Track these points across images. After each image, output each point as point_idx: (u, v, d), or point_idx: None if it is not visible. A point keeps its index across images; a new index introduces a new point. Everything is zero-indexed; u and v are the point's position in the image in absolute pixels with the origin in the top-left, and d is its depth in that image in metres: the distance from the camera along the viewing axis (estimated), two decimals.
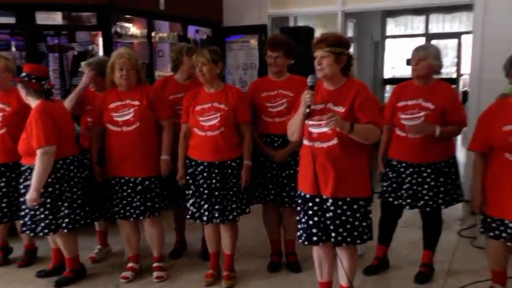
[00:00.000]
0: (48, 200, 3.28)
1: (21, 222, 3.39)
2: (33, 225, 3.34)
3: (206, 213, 3.35)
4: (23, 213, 3.36)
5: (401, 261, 3.85)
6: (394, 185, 3.45)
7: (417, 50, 3.35)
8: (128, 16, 5.28)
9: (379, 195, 3.59)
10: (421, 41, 10.87)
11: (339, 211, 2.72)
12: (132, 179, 3.43)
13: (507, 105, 2.94)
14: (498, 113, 2.95)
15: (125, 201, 3.46)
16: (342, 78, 2.74)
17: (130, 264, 3.69)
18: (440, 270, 3.63)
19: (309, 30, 5.69)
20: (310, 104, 2.65)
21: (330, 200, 2.72)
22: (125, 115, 3.38)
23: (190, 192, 3.41)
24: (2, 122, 3.59)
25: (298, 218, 2.89)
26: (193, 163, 3.37)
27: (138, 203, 3.44)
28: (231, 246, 3.52)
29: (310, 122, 2.72)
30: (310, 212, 2.79)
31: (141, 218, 3.49)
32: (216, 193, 3.31)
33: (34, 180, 3.20)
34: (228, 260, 3.55)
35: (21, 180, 3.37)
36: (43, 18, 4.66)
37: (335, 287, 3.05)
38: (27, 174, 3.31)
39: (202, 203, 3.35)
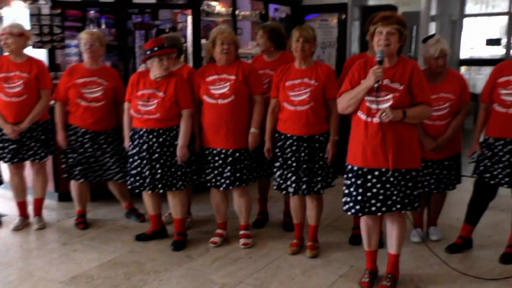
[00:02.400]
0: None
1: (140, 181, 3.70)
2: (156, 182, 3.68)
3: (293, 184, 3.49)
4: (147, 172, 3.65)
5: (484, 241, 3.85)
6: (490, 164, 3.44)
7: None
8: None
9: (475, 174, 3.58)
10: (504, 20, 10.38)
11: (396, 182, 2.88)
12: (223, 150, 3.62)
13: None
14: None
15: (216, 171, 3.66)
16: (396, 56, 2.88)
17: (218, 231, 3.92)
18: None
19: (392, 9, 5.62)
20: (380, 79, 2.77)
21: (390, 172, 2.84)
22: (221, 88, 3.57)
23: (278, 164, 3.56)
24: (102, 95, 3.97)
25: (348, 191, 3.01)
26: (282, 136, 3.51)
27: (228, 174, 3.63)
28: (316, 217, 3.66)
29: (370, 98, 2.84)
30: (369, 184, 2.91)
31: (230, 187, 3.68)
32: (304, 166, 3.44)
33: (184, 138, 3.61)
34: (313, 231, 3.70)
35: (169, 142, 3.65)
36: None
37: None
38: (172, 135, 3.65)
39: (289, 175, 3.50)
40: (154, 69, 3.59)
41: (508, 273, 3.32)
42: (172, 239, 3.85)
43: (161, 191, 3.71)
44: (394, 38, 2.80)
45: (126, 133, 3.81)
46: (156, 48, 3.53)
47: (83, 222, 4.24)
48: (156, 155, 3.63)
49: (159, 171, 3.64)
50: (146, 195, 3.84)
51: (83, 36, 3.97)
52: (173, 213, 3.85)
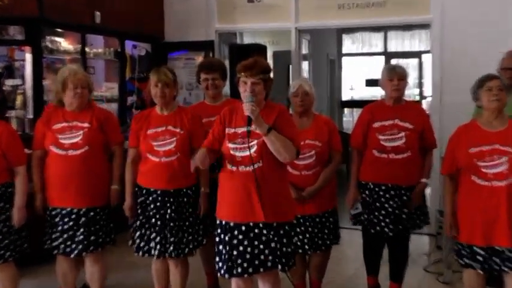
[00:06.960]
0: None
1: None
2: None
3: (158, 246, 3.61)
4: None
5: None
6: (369, 211, 3.87)
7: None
8: (60, 30, 5.55)
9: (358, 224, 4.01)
10: (380, 59, 11.64)
11: (266, 238, 3.04)
12: (75, 210, 3.65)
13: (473, 128, 3.41)
14: (465, 135, 3.41)
15: (66, 235, 3.66)
16: (263, 101, 3.16)
17: None
18: None
19: (262, 48, 6.16)
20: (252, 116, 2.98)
21: (261, 225, 3.04)
22: (72, 137, 3.62)
23: (138, 223, 3.68)
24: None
25: (217, 249, 3.15)
26: (144, 191, 3.65)
27: (81, 237, 3.64)
28: (180, 284, 3.77)
29: (233, 146, 3.09)
30: (235, 241, 3.07)
31: (83, 253, 3.69)
32: (171, 224, 3.59)
33: (23, 199, 3.60)
34: None
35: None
36: None
37: None
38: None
39: (153, 235, 3.62)
40: None
41: None
42: None
43: None
44: (259, 87, 3.06)
45: None
46: None
47: None
48: None
49: None
50: None
51: None
52: None
